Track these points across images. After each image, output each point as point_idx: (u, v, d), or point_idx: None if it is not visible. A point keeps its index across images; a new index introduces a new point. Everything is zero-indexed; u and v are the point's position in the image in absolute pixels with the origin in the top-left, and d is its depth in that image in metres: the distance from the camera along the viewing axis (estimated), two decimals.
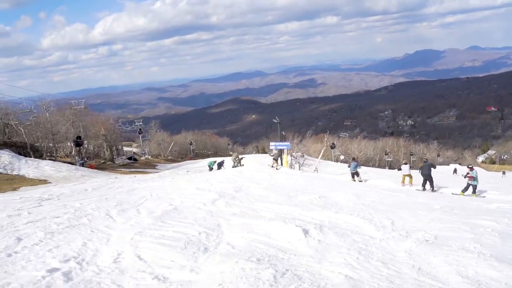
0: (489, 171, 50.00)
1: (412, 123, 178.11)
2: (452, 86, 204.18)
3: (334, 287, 3.24)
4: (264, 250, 4.11)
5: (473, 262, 3.83)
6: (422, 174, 12.68)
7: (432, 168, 12.63)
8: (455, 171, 33.90)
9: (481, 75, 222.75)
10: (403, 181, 14.52)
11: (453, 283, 3.37)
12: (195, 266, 3.64)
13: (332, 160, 42.90)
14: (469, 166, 13.34)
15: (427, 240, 4.66)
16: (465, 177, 12.02)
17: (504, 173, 41.65)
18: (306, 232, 4.76)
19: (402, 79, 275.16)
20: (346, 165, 24.56)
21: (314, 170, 22.17)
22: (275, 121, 21.97)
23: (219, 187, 9.28)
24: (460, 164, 59.02)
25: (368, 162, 50.94)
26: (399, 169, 16.21)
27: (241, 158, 19.63)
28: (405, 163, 15.32)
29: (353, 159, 16.20)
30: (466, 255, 4.06)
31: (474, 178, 11.86)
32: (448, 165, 51.71)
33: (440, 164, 57.60)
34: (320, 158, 23.92)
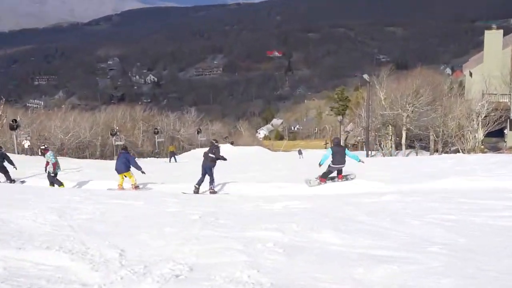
0: (274, 151, 63.36)
1: (155, 79, 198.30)
2: (216, 17, 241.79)
3: None
4: None
5: None
6: None
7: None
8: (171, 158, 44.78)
9: (256, 0, 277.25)
10: None
11: None
12: None
13: (14, 150, 41.93)
14: (43, 147, 20.15)
15: (177, 276, 5.35)
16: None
17: (300, 152, 53.53)
18: None
19: (136, 4, 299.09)
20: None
21: None
22: None
23: None
24: (232, 143, 71.70)
25: (82, 151, 52.86)
26: None
27: None
28: None
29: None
30: None
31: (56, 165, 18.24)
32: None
33: (202, 146, 67.99)
34: None
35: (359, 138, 62.63)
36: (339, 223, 8.42)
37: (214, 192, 16.81)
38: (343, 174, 17.48)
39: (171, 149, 48.93)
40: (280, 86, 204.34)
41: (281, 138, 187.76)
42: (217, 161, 17.39)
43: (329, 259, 6.02)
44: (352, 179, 17.33)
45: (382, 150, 47.49)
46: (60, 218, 8.68)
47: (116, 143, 59.92)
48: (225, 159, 17.99)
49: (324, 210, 10.61)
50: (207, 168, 17.07)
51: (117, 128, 64.48)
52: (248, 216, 9.62)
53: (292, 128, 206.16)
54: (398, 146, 48.33)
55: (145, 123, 78.38)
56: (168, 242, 6.93)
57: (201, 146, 72.90)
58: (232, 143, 79.83)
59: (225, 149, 56.05)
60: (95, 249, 6.37)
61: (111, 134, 61.01)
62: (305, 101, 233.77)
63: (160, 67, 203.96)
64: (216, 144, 18.33)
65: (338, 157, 16.14)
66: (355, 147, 64.85)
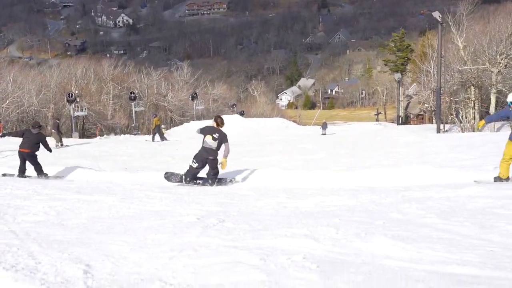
0: (303, 124, 64.45)
1: (130, 20, 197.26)
2: None
3: None
4: None
5: None
6: None
7: None
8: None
9: None
10: None
11: None
12: None
13: None
14: None
15: None
16: None
17: (325, 126, 61.05)
18: None
19: None
20: None
21: None
22: None
23: None
24: (242, 114, 71.76)
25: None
26: None
27: None
28: None
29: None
30: None
31: None
32: None
33: (198, 118, 68.23)
34: None
35: (426, 105, 62.12)
36: (396, 227, 8.40)
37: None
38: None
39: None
40: (311, 30, 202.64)
41: (312, 106, 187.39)
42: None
43: (384, 279, 5.96)
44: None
45: (461, 122, 47.17)
46: None
47: (76, 113, 60.03)
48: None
49: (374, 209, 10.67)
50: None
51: (76, 92, 64.51)
52: (267, 218, 9.68)
53: (329, 92, 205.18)
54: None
55: (116, 84, 78.44)
56: (153, 255, 6.93)
57: (198, 118, 72.87)
58: (242, 113, 79.73)
59: (232, 121, 56.34)
60: (49, 264, 6.35)
61: (68, 101, 61.05)
62: (348, 52, 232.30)
63: (136, 3, 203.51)
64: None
65: None
66: (420, 118, 64.46)
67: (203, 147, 17.14)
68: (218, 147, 17.16)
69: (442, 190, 12.92)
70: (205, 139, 17.22)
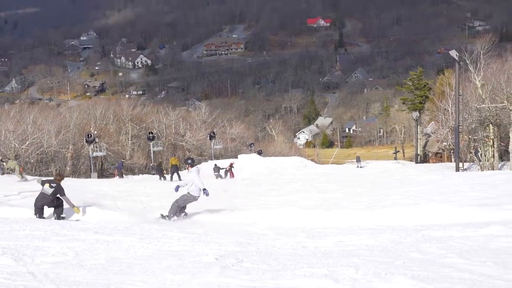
0: (322, 163, 65.17)
1: (148, 61, 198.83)
2: None
3: None
4: None
5: None
6: None
7: None
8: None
9: None
10: None
11: None
12: None
13: None
14: None
15: None
16: None
17: (359, 160, 67.59)
18: None
19: None
20: None
21: None
22: None
23: None
24: (260, 153, 71.84)
25: (46, 165, 53.20)
26: None
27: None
28: None
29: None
30: None
31: None
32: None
33: (216, 157, 68.39)
34: None
35: (445, 143, 62.09)
36: (417, 267, 8.39)
37: None
38: None
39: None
40: (328, 69, 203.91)
41: (330, 144, 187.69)
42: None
43: None
44: None
45: (480, 161, 47.01)
46: (16, 262, 8.80)
47: (95, 153, 60.27)
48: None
49: (394, 249, 10.68)
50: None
51: (95, 132, 64.95)
52: (286, 258, 9.69)
53: (347, 131, 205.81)
54: (503, 155, 47.70)
55: (135, 124, 78.93)
56: None
57: (216, 158, 73.01)
58: (260, 153, 79.88)
59: (250, 160, 56.54)
60: None
61: (86, 142, 61.39)
62: (365, 90, 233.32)
63: (155, 44, 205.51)
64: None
65: None
66: (439, 157, 64.36)
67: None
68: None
69: (462, 229, 12.91)
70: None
